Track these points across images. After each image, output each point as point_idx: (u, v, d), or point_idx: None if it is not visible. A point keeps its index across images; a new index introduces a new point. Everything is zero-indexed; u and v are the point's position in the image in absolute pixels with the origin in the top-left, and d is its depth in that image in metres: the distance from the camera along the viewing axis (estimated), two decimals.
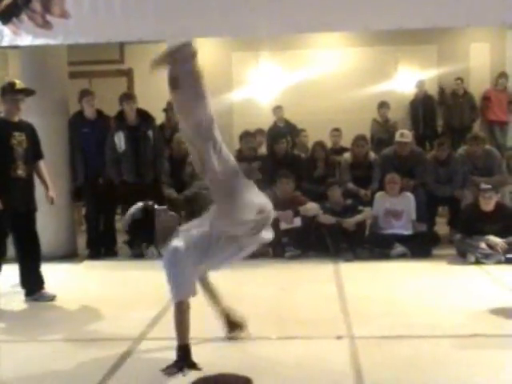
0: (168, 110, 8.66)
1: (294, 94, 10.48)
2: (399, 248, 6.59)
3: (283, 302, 4.99)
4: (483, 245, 6.20)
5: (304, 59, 10.74)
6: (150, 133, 6.93)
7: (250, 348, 3.98)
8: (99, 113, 7.06)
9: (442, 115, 10.36)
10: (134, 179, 6.83)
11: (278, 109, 9.93)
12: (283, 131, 9.19)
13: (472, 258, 6.17)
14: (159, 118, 8.23)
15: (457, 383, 3.31)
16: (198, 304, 4.81)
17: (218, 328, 4.20)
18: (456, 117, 10.17)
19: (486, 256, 6.16)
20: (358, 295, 5.03)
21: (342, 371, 3.50)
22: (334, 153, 8.23)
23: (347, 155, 7.76)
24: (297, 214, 6.73)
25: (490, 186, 6.42)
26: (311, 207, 6.80)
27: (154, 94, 10.10)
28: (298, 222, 6.69)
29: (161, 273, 6.09)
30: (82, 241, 7.30)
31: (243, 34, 9.07)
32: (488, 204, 6.33)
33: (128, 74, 11.00)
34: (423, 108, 10.23)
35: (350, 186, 7.40)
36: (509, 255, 6.15)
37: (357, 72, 10.54)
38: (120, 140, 6.80)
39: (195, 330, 4.25)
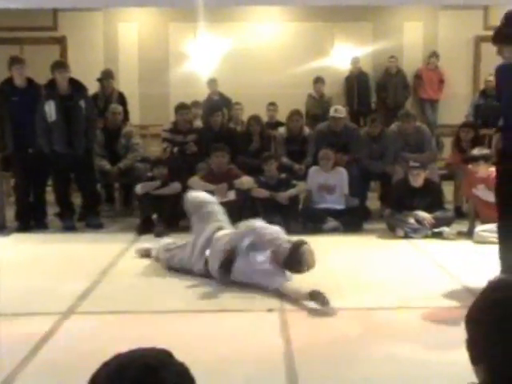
0: (103, 79, 8.48)
1: (230, 66, 10.43)
2: (332, 222, 6.70)
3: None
4: (412, 220, 6.39)
5: (242, 32, 10.68)
6: (83, 103, 6.76)
7: (183, 321, 3.99)
8: (30, 81, 6.83)
9: (375, 92, 10.53)
10: (65, 150, 6.66)
11: (212, 82, 9.87)
12: (218, 104, 9.15)
13: (401, 233, 6.35)
14: (93, 87, 8.04)
15: (382, 354, 3.41)
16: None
17: (161, 301, 4.22)
18: (389, 94, 10.35)
19: (414, 230, 6.35)
20: None
21: (272, 343, 3.55)
22: (270, 127, 8.27)
23: (282, 130, 7.80)
24: (231, 187, 6.74)
25: (418, 164, 6.59)
26: (246, 181, 6.83)
27: (87, 63, 9.91)
28: (231, 195, 6.70)
29: (91, 246, 6.08)
30: (10, 213, 7.09)
31: (180, 5, 8.98)
32: (416, 180, 6.51)
33: (61, 41, 10.67)
34: (358, 84, 10.36)
35: (285, 160, 7.46)
36: (435, 229, 6.36)
37: (293, 47, 10.57)
38: (51, 109, 6.61)
39: (136, 302, 4.27)
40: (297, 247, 4.43)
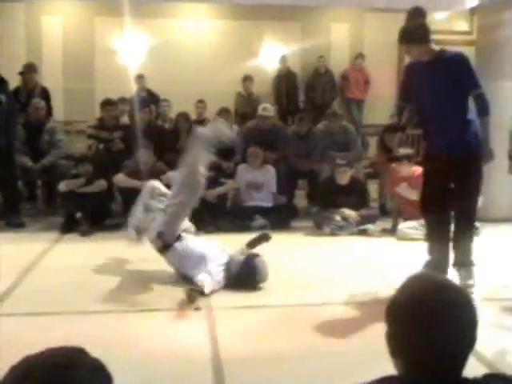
0: (25, 72, 8.21)
1: (158, 63, 10.30)
2: (260, 220, 6.73)
3: (142, 273, 4.93)
4: (338, 217, 6.49)
5: (170, 29, 10.57)
6: (3, 97, 6.52)
7: (108, 321, 3.91)
8: None
9: (304, 91, 10.64)
10: None
11: (139, 78, 9.73)
12: (146, 100, 9.03)
13: (327, 230, 6.44)
14: (14, 81, 7.77)
15: (308, 350, 3.44)
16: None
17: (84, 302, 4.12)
18: (317, 94, 10.48)
19: (340, 228, 6.46)
20: None
21: (199, 341, 3.53)
22: (198, 124, 8.19)
23: None
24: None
25: (344, 162, 6.71)
26: (173, 175, 6.76)
27: (8, 56, 9.57)
28: None
29: (12, 245, 5.87)
30: None
31: None
32: (342, 178, 6.62)
33: None
34: (286, 83, 10.43)
35: (213, 157, 7.41)
36: (361, 227, 6.49)
37: (222, 45, 10.54)
38: None
39: (59, 303, 4.15)
40: (251, 258, 4.46)
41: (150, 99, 9.29)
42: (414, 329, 1.33)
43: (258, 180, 6.99)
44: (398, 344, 1.37)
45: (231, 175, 7.17)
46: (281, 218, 6.78)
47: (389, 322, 1.39)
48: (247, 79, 9.82)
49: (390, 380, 1.37)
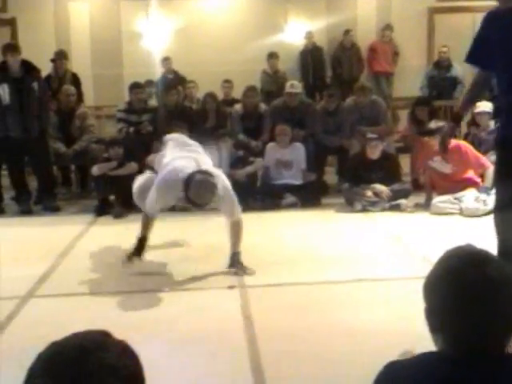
0: (56, 60, 8.30)
1: (183, 44, 10.29)
2: (290, 198, 6.72)
3: (174, 254, 4.98)
4: (369, 193, 6.44)
5: (194, 9, 10.53)
6: (35, 85, 6.60)
7: (143, 300, 3.96)
8: None
9: (331, 66, 10.54)
10: (19, 133, 6.51)
11: (166, 60, 9.73)
12: (173, 82, 9.05)
13: (359, 206, 6.40)
14: (45, 69, 7.85)
15: (342, 327, 3.45)
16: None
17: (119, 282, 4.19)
18: (344, 68, 10.37)
19: (372, 204, 6.41)
20: (249, 245, 5.07)
21: (233, 318, 3.57)
22: (226, 104, 8.21)
23: (238, 106, 7.75)
24: None
25: (375, 136, 6.65)
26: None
27: (38, 44, 9.66)
28: None
29: (49, 229, 5.98)
30: None
31: None
32: (374, 153, 6.56)
33: (11, 23, 10.37)
34: (312, 59, 10.34)
35: (241, 137, 7.43)
36: (393, 202, 6.43)
37: (247, 23, 10.47)
38: (4, 93, 6.45)
39: (95, 284, 4.22)
40: (188, 180, 3.99)
41: (177, 81, 9.30)
42: (453, 303, 1.32)
43: (287, 158, 6.97)
44: (437, 319, 1.36)
45: (260, 154, 7.16)
46: (311, 195, 6.77)
47: (427, 297, 1.39)
48: (272, 56, 9.73)
49: (429, 356, 1.37)
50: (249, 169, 6.83)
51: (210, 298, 3.98)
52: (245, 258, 4.58)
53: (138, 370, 1.08)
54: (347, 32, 10.32)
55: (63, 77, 8.19)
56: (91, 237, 5.61)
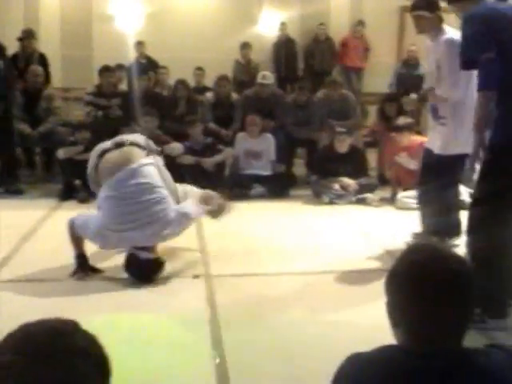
0: (23, 39, 8.13)
1: (156, 30, 10.18)
2: (258, 188, 6.74)
3: None
4: (336, 186, 6.49)
5: None
6: (1, 63, 6.46)
7: (104, 287, 3.92)
8: None
9: (303, 59, 10.55)
10: None
11: (139, 44, 9.63)
12: (145, 68, 8.96)
13: (326, 199, 6.44)
14: (12, 47, 7.68)
15: (305, 317, 3.47)
16: None
17: None
18: (317, 61, 10.39)
19: (339, 196, 6.46)
20: (216, 234, 5.08)
21: (198, 308, 3.56)
22: (197, 92, 8.16)
23: (209, 95, 7.72)
24: (160, 153, 6.62)
25: (344, 129, 6.68)
26: (175, 146, 6.74)
27: (6, 22, 9.45)
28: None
29: (11, 212, 5.86)
30: None
31: None
32: (342, 146, 6.60)
33: None
34: (285, 51, 10.33)
35: (212, 125, 7.40)
36: (359, 196, 6.49)
37: (222, 11, 10.41)
38: None
39: (56, 270, 4.16)
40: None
41: (150, 66, 9.21)
42: (415, 298, 1.33)
43: (257, 148, 6.97)
44: (398, 313, 1.37)
45: (230, 143, 7.14)
46: (279, 186, 6.78)
47: (389, 292, 1.40)
48: (245, 46, 9.70)
49: (390, 349, 1.38)
50: (218, 158, 6.81)
51: (174, 287, 3.96)
52: (211, 247, 4.57)
53: (106, 357, 1.10)
54: (321, 24, 10.33)
55: (30, 56, 8.01)
56: (54, 221, 5.51)
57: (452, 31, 4.29)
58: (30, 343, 1.02)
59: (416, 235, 4.72)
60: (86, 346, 1.05)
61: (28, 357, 1.00)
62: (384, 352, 1.38)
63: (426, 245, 1.47)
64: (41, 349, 1.01)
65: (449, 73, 4.20)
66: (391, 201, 6.44)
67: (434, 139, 4.50)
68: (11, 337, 1.06)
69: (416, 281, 1.34)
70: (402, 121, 6.49)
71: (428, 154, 4.56)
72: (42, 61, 8.04)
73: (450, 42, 4.15)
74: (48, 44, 9.54)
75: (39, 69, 7.51)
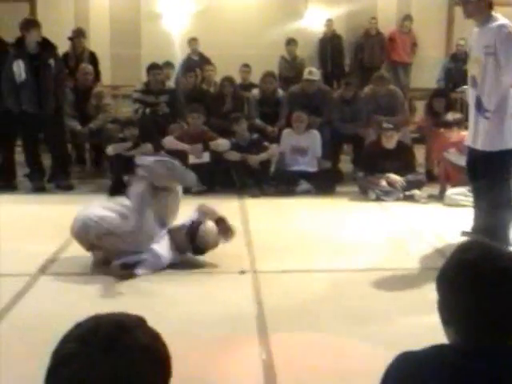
0: (74, 38, 8.30)
1: (203, 26, 10.25)
2: (304, 185, 6.71)
3: None
4: (383, 182, 6.42)
5: None
6: (52, 61, 6.60)
7: (153, 286, 3.98)
8: None
9: (349, 54, 10.47)
10: (34, 110, 6.52)
11: (192, 41, 9.69)
12: (197, 64, 9.03)
13: (373, 195, 6.38)
14: (63, 46, 7.85)
15: (353, 315, 3.45)
16: None
17: None
18: (366, 55, 10.30)
19: (386, 193, 6.38)
20: (262, 230, 5.10)
21: (244, 304, 3.58)
22: (243, 89, 8.19)
23: (255, 91, 7.74)
24: (206, 148, 6.69)
25: (392, 125, 6.61)
26: (222, 143, 6.78)
27: (57, 21, 9.66)
28: (206, 157, 6.66)
29: (61, 207, 6.00)
30: None
31: None
32: (389, 142, 6.53)
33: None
34: (331, 47, 10.28)
35: (258, 122, 7.42)
36: (407, 192, 6.41)
37: (267, 7, 10.42)
38: (20, 69, 6.45)
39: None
40: (194, 231, 4.18)
41: (202, 63, 9.27)
42: (466, 297, 1.32)
43: (303, 144, 6.95)
44: (449, 312, 1.36)
45: (275, 139, 7.14)
46: (325, 182, 6.74)
47: (440, 290, 1.38)
48: (291, 42, 9.67)
49: (440, 348, 1.36)
50: (262, 156, 6.80)
51: (220, 283, 3.99)
52: (257, 243, 4.59)
53: (168, 357, 1.11)
54: (373, 19, 10.24)
55: (81, 55, 8.20)
56: None
57: (503, 18, 4.19)
58: (94, 335, 1.04)
59: (465, 233, 4.64)
60: (147, 344, 1.06)
61: (91, 347, 1.02)
62: (434, 351, 1.36)
63: (476, 243, 1.45)
64: (103, 342, 1.03)
65: (505, 58, 4.10)
66: (439, 198, 6.33)
67: (477, 135, 4.37)
68: (79, 326, 1.09)
69: (466, 280, 1.33)
70: (450, 116, 6.38)
71: (470, 151, 4.45)
72: (92, 59, 8.21)
73: (504, 26, 4.05)
74: (98, 43, 9.72)
75: (89, 67, 7.67)
